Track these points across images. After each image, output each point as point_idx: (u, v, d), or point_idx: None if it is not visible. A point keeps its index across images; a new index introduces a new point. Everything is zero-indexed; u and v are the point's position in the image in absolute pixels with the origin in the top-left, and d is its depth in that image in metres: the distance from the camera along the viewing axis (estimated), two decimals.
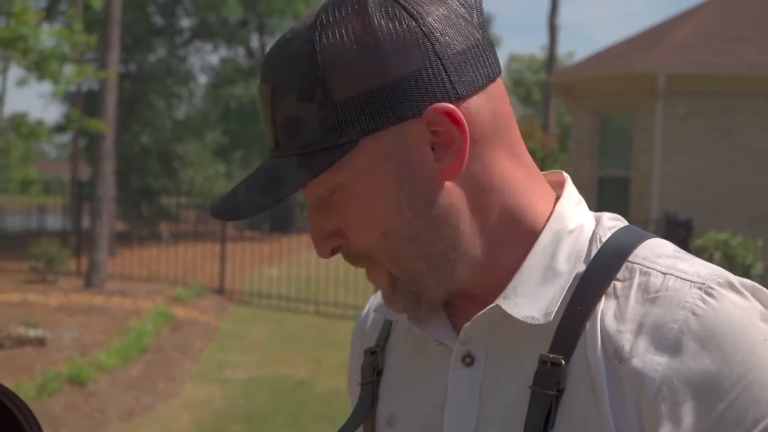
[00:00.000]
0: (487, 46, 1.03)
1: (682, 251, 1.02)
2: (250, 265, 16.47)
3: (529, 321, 0.98)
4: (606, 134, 16.82)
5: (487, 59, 1.02)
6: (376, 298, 1.26)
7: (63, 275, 15.45)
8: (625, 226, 1.06)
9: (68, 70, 10.98)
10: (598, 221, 1.06)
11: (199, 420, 7.73)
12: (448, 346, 1.06)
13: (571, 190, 1.08)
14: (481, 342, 1.04)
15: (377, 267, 1.02)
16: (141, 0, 26.75)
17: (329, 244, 1.02)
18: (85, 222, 17.44)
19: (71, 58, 10.94)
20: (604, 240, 1.03)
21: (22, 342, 9.33)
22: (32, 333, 9.54)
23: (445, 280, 1.02)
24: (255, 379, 9.25)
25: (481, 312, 1.01)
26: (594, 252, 1.02)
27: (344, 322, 12.61)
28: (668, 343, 0.93)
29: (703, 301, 0.94)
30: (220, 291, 15.00)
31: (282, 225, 26.12)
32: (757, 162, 15.13)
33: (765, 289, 0.97)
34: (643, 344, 0.94)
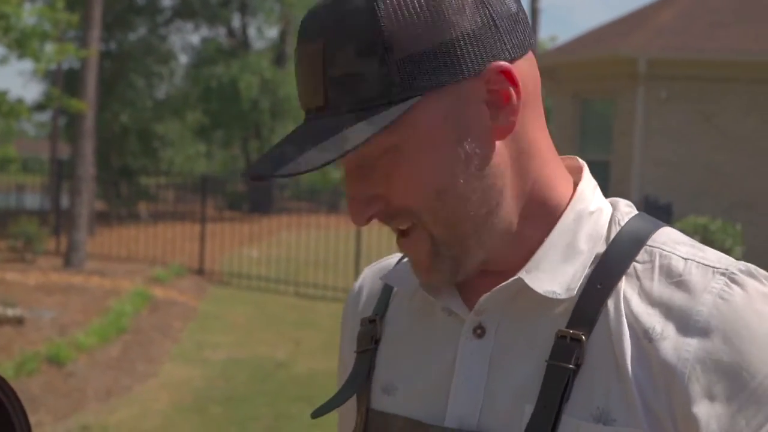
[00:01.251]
0: (525, 15, 1.05)
1: (695, 241, 1.05)
2: (230, 246, 16.44)
3: (550, 296, 0.99)
4: (587, 118, 16.84)
5: (528, 27, 1.04)
6: (370, 270, 1.28)
7: (42, 254, 15.40)
8: (640, 213, 1.08)
9: (49, 48, 10.88)
10: (615, 206, 1.08)
11: (178, 400, 7.71)
12: (459, 316, 1.06)
13: (588, 175, 1.10)
14: (493, 314, 1.04)
15: (419, 232, 1.01)
16: None
17: (369, 209, 1.00)
18: (65, 201, 17.34)
19: (52, 36, 10.83)
20: (622, 223, 1.05)
21: (0, 321, 9.28)
22: (10, 312, 9.49)
23: (486, 244, 1.03)
24: (234, 360, 9.23)
25: (503, 284, 1.02)
26: (613, 234, 1.04)
27: (324, 303, 12.62)
28: (698, 325, 0.95)
29: (728, 286, 0.97)
30: (200, 271, 14.95)
31: (262, 206, 26.03)
32: (737, 147, 15.18)
33: None
34: (673, 327, 0.96)
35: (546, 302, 1.00)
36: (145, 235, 17.25)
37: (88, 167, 15.10)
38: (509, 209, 1.03)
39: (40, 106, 24.62)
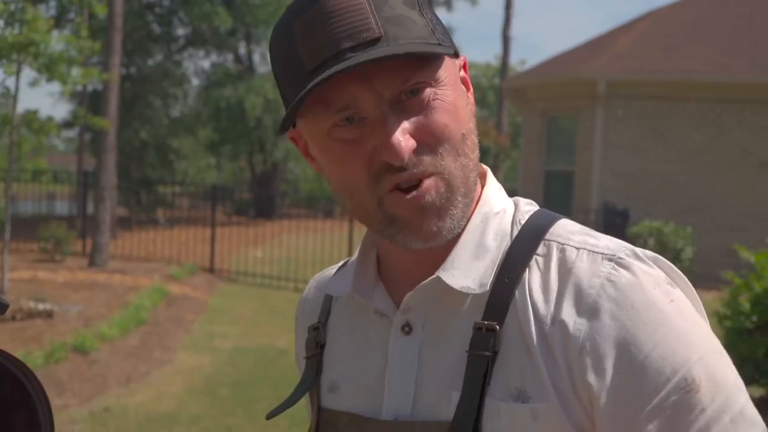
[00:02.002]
0: None
1: (589, 229, 1.04)
2: (237, 247, 16.36)
3: (465, 291, 0.99)
4: (552, 133, 16.87)
5: None
6: (314, 281, 1.26)
7: (69, 255, 15.28)
8: (539, 210, 1.07)
9: (75, 72, 10.80)
10: (516, 205, 1.08)
11: (191, 384, 7.64)
12: (388, 317, 1.05)
13: (492, 180, 1.09)
14: (418, 312, 1.03)
15: (436, 178, 0.97)
16: (141, 10, 26.50)
17: (411, 143, 0.94)
18: (90, 208, 17.24)
19: (77, 61, 10.76)
20: (522, 222, 1.04)
21: (31, 315, 9.18)
22: (41, 306, 9.39)
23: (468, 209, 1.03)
24: (241, 349, 9.16)
25: (423, 282, 1.01)
26: (515, 232, 1.03)
27: None
28: (587, 306, 0.94)
29: (615, 269, 0.95)
30: (210, 270, 14.87)
31: (265, 212, 25.97)
32: (687, 159, 15.22)
33: (664, 259, 0.99)
34: (566, 309, 0.95)
35: (463, 297, 1.00)
36: (162, 238, 17.16)
37: (110, 178, 15.01)
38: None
39: (67, 124, 24.49)
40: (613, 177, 15.41)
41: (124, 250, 16.29)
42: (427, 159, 0.95)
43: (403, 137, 0.93)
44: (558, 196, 16.24)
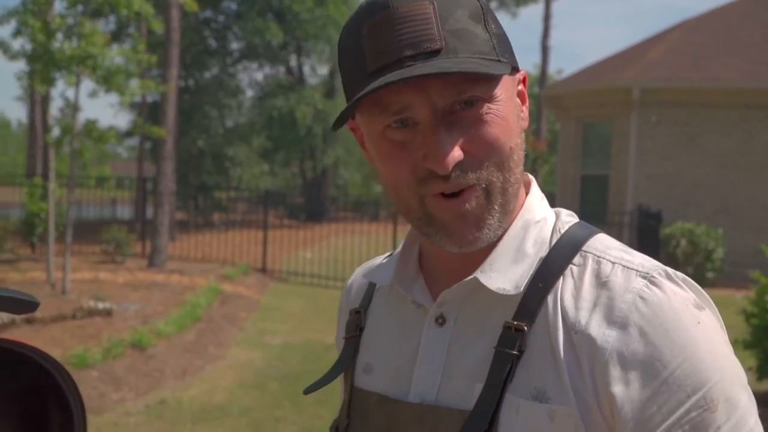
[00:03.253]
0: None
1: (626, 246, 1.03)
2: (288, 249, 16.43)
3: (501, 292, 0.98)
4: (588, 139, 16.69)
5: None
6: (361, 269, 1.29)
7: (130, 257, 15.46)
8: (579, 222, 1.07)
9: (133, 83, 10.92)
10: (557, 216, 1.07)
11: (242, 378, 7.64)
12: (425, 307, 1.06)
13: (536, 189, 1.09)
14: (453, 306, 1.04)
15: (476, 188, 0.96)
16: (198, 26, 26.77)
17: (457, 155, 0.93)
18: (150, 212, 17.44)
19: (134, 73, 10.87)
20: (563, 231, 1.04)
21: (92, 313, 9.26)
22: (101, 305, 9.47)
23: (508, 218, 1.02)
24: (290, 344, 9.15)
25: (461, 281, 1.01)
26: (555, 240, 1.03)
27: None
28: (618, 319, 0.93)
29: (648, 287, 0.94)
30: (263, 270, 14.93)
31: (315, 215, 26.08)
32: (717, 163, 14.97)
33: (693, 282, 0.98)
34: (596, 319, 0.94)
35: (497, 297, 1.00)
36: (218, 240, 17.28)
37: (168, 184, 15.14)
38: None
39: (128, 133, 24.81)
40: (647, 180, 15.20)
41: (182, 252, 16.43)
42: (471, 171, 0.95)
43: (450, 148, 0.93)
44: (593, 199, 16.08)
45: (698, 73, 15.25)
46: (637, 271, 0.96)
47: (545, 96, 19.26)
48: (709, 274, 13.63)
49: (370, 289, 1.21)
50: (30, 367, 0.99)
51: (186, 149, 25.10)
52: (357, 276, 1.28)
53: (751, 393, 0.94)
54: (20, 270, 12.46)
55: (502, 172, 0.97)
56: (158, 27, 11.49)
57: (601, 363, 0.91)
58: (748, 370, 6.60)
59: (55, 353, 7.44)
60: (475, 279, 1.00)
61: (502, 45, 0.98)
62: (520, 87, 1.04)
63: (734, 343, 6.57)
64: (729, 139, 14.94)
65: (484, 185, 0.96)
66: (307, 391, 1.14)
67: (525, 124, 1.03)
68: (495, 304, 1.00)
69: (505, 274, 1.00)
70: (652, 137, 15.22)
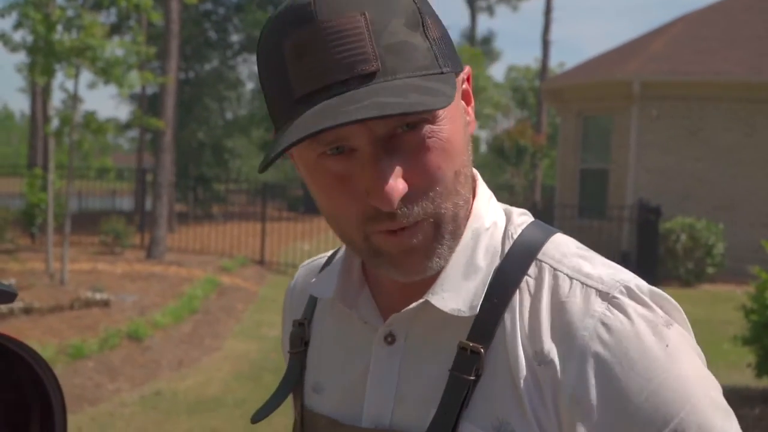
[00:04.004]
0: None
1: (584, 248, 0.95)
2: (287, 241, 16.43)
3: (456, 314, 0.91)
4: (588, 133, 16.67)
5: None
6: (303, 269, 1.19)
7: (128, 248, 15.48)
8: (533, 222, 0.98)
9: (131, 75, 10.93)
10: (508, 217, 0.99)
11: (238, 370, 7.66)
12: (373, 325, 0.99)
13: (483, 188, 1.00)
14: (402, 324, 0.97)
15: (424, 220, 0.87)
16: (198, 18, 26.75)
17: (402, 188, 0.84)
18: (149, 203, 17.46)
19: (133, 65, 10.88)
20: (515, 237, 0.95)
21: (89, 304, 9.28)
22: (98, 296, 9.49)
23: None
24: None
25: (411, 306, 0.93)
26: (507, 248, 0.94)
27: None
28: (579, 350, 0.85)
29: (609, 310, 0.87)
30: (261, 262, 14.94)
31: (314, 208, 26.08)
32: (719, 157, 14.94)
33: (663, 293, 0.89)
34: (557, 349, 0.87)
35: (450, 317, 0.92)
36: (216, 232, 17.30)
37: (167, 175, 15.14)
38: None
39: (127, 125, 24.81)
40: (647, 174, 15.18)
41: (180, 244, 16.45)
42: (416, 205, 0.86)
43: (394, 182, 0.83)
44: (593, 193, 16.08)
45: (700, 67, 15.22)
46: (596, 290, 0.88)
47: (545, 89, 19.23)
48: (710, 270, 13.64)
49: (313, 298, 1.11)
50: (8, 357, 0.99)
51: (186, 141, 25.12)
52: (299, 278, 1.18)
53: (727, 408, 0.88)
54: (19, 260, 12.48)
55: (450, 198, 0.88)
56: (157, 18, 11.49)
57: (564, 400, 0.85)
58: (747, 366, 6.61)
59: (52, 343, 7.46)
60: (426, 302, 0.92)
61: (444, 50, 0.87)
62: (465, 86, 0.95)
63: (734, 339, 6.58)
64: (731, 134, 14.92)
65: (434, 219, 0.88)
66: (255, 419, 1.05)
67: (471, 128, 0.95)
68: (448, 323, 0.93)
69: (458, 292, 0.91)
70: (653, 131, 15.20)
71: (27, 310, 8.71)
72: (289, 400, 1.12)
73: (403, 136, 0.85)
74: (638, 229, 14.13)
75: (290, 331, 1.13)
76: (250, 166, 28.44)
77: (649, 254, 13.70)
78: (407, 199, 0.85)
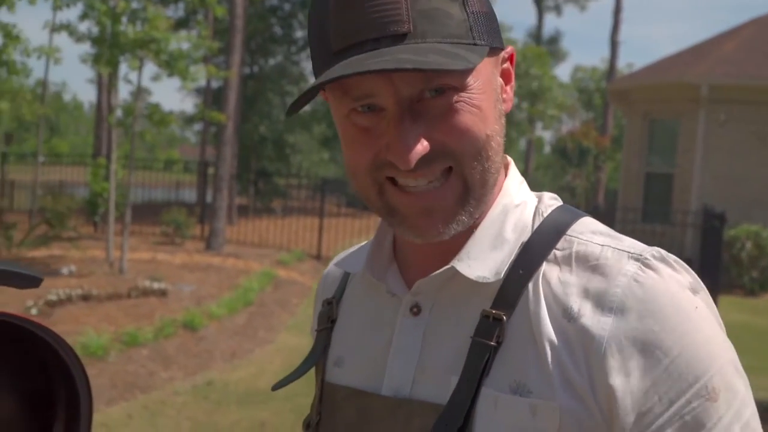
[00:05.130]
0: None
1: (612, 230, 0.98)
2: (344, 237, 16.52)
3: (480, 280, 0.93)
4: (654, 135, 16.41)
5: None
6: (337, 258, 1.22)
7: (188, 239, 15.74)
8: (563, 205, 1.02)
9: (194, 69, 11.10)
10: (540, 199, 1.02)
11: (289, 363, 7.72)
12: (399, 297, 1.01)
13: (514, 171, 1.04)
14: (429, 295, 0.99)
15: (452, 180, 0.91)
16: (264, 13, 27.04)
17: (421, 148, 0.87)
18: (210, 196, 17.72)
19: (197, 59, 11.06)
20: (545, 214, 0.99)
21: (147, 293, 9.46)
22: (156, 285, 9.67)
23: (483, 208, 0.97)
24: None
25: (437, 272, 0.96)
26: (536, 224, 0.98)
27: None
28: (613, 305, 0.88)
29: (642, 270, 0.89)
30: (317, 257, 15.05)
31: None
32: None
33: (686, 264, 0.93)
34: (589, 306, 0.89)
35: (475, 286, 0.95)
36: (275, 226, 17.49)
37: (227, 168, 15.36)
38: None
39: (192, 118, 25.23)
40: (713, 180, 14.87)
41: (239, 236, 16.66)
42: (438, 165, 0.89)
43: (414, 142, 0.87)
44: (657, 198, 15.81)
45: None
46: (628, 253, 0.91)
47: (612, 90, 18.96)
48: None
49: (345, 278, 1.15)
50: (34, 343, 1.01)
51: (248, 135, 25.41)
52: (333, 265, 1.22)
53: (746, 378, 0.91)
54: (81, 248, 12.78)
55: (480, 162, 0.91)
56: (222, 13, 11.64)
57: (597, 353, 0.86)
58: None
59: (108, 330, 7.63)
60: (452, 268, 0.95)
61: (482, 25, 0.90)
62: (506, 65, 0.98)
63: None
64: None
65: (459, 180, 0.91)
66: (276, 387, 1.10)
67: (507, 106, 0.98)
68: (473, 293, 0.95)
69: (483, 261, 0.94)
70: (720, 136, 14.88)
71: (85, 297, 8.92)
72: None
73: (431, 101, 0.88)
74: (702, 235, 13.83)
75: (319, 311, 1.16)
76: (311, 161, 28.65)
77: (713, 261, 13.39)
78: (428, 158, 0.88)
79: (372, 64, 0.82)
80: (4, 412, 1.11)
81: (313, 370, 1.13)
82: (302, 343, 8.56)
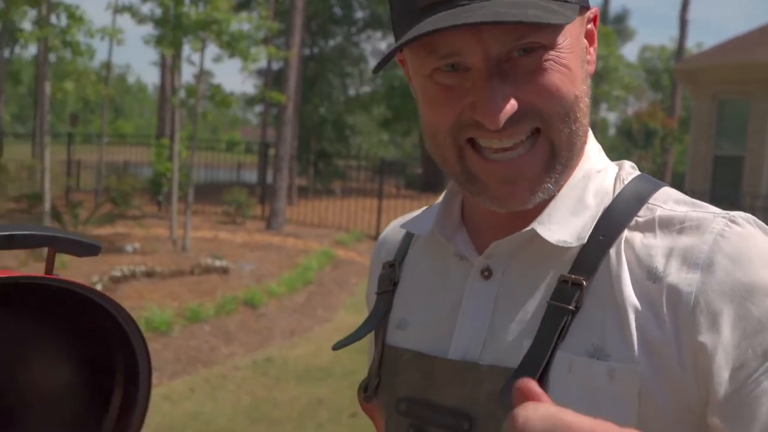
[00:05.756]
0: None
1: (695, 200, 0.95)
2: None
3: (561, 245, 0.91)
4: (724, 117, 16.03)
5: None
6: (394, 222, 1.20)
7: (249, 219, 15.99)
8: (643, 174, 0.99)
9: (255, 50, 11.23)
10: (620, 166, 1.00)
11: None
12: (469, 260, 0.99)
13: (593, 139, 1.01)
14: (501, 259, 0.97)
15: (540, 143, 0.89)
16: None
17: (509, 107, 0.85)
18: (270, 177, 17.94)
19: (258, 40, 11.19)
20: (626, 182, 0.97)
21: (209, 270, 9.67)
22: (218, 263, 9.87)
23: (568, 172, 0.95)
24: None
25: (517, 233, 0.94)
26: (618, 190, 0.96)
27: None
28: (700, 261, 0.86)
29: (728, 226, 0.87)
30: (376, 237, 15.05)
31: (433, 185, 26.17)
32: None
33: None
34: (675, 264, 0.87)
35: (553, 251, 0.93)
36: (334, 206, 17.63)
37: (287, 149, 15.52)
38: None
39: (253, 100, 25.49)
40: None
41: (299, 216, 16.85)
42: (525, 125, 0.87)
43: (503, 101, 0.84)
44: (726, 181, 15.47)
45: None
46: (713, 214, 0.89)
47: (680, 70, 18.58)
48: None
49: (406, 241, 1.12)
50: (94, 309, 1.03)
51: (308, 116, 25.61)
52: (391, 229, 1.19)
53: None
54: (145, 226, 13.08)
55: (567, 124, 0.88)
56: None
57: (685, 311, 0.84)
58: None
59: (172, 306, 7.83)
60: (532, 230, 0.92)
61: None
62: (590, 26, 0.95)
63: None
64: None
65: (548, 141, 0.88)
66: (336, 347, 1.07)
67: (591, 68, 0.95)
68: (550, 258, 0.93)
69: (564, 226, 0.92)
70: None
71: (149, 274, 9.16)
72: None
73: (519, 60, 0.86)
74: None
75: (379, 274, 1.13)
76: (370, 143, 28.73)
77: None
78: (516, 118, 0.86)
79: (470, 17, 0.80)
80: (64, 377, 1.13)
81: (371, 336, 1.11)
82: (360, 321, 8.62)
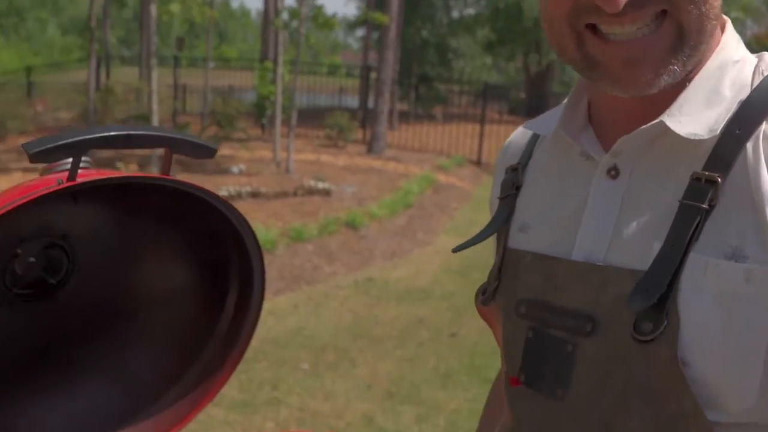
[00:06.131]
0: None
1: None
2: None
3: (692, 137, 0.85)
4: None
5: None
6: (520, 128, 1.17)
7: (351, 142, 16.11)
8: None
9: None
10: (760, 57, 0.93)
11: (447, 264, 7.88)
12: (595, 159, 0.95)
13: (732, 30, 0.94)
14: (629, 157, 0.92)
15: (666, 24, 0.84)
16: None
17: None
18: (372, 101, 17.97)
19: None
20: (766, 73, 0.90)
21: (312, 192, 9.85)
22: (320, 185, 10.03)
23: (697, 58, 0.89)
24: None
25: (644, 126, 0.88)
26: (756, 82, 0.89)
27: None
28: None
29: None
30: (477, 163, 15.06)
31: (537, 111, 25.65)
32: None
33: None
34: None
35: (684, 146, 0.87)
36: (435, 131, 17.55)
37: (389, 72, 15.48)
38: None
39: (355, 23, 25.38)
40: None
41: (400, 141, 16.88)
42: (650, 8, 0.83)
43: None
44: None
45: None
46: None
47: None
48: None
49: (531, 144, 1.09)
50: (209, 212, 1.04)
51: (410, 39, 25.37)
52: (517, 133, 1.15)
53: None
54: (249, 149, 13.36)
55: (697, 4, 0.83)
56: None
57: None
58: None
59: (276, 226, 8.04)
60: (661, 123, 0.87)
61: None
62: None
63: None
64: None
65: (675, 23, 0.84)
66: (456, 249, 1.07)
67: None
68: (681, 154, 0.88)
69: (696, 118, 0.86)
70: None
71: (254, 194, 9.40)
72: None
73: None
74: None
75: (502, 179, 1.11)
76: (473, 66, 28.30)
77: None
78: (639, 0, 0.82)
79: None
80: (181, 278, 1.18)
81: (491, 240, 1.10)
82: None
